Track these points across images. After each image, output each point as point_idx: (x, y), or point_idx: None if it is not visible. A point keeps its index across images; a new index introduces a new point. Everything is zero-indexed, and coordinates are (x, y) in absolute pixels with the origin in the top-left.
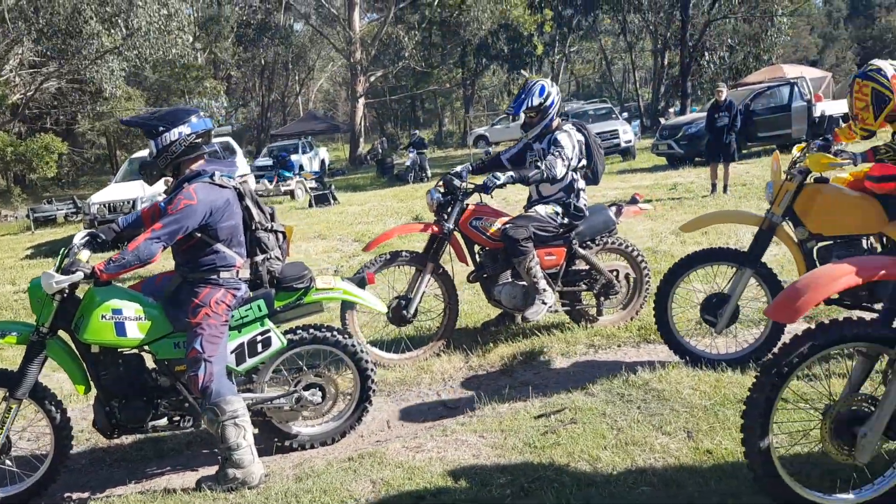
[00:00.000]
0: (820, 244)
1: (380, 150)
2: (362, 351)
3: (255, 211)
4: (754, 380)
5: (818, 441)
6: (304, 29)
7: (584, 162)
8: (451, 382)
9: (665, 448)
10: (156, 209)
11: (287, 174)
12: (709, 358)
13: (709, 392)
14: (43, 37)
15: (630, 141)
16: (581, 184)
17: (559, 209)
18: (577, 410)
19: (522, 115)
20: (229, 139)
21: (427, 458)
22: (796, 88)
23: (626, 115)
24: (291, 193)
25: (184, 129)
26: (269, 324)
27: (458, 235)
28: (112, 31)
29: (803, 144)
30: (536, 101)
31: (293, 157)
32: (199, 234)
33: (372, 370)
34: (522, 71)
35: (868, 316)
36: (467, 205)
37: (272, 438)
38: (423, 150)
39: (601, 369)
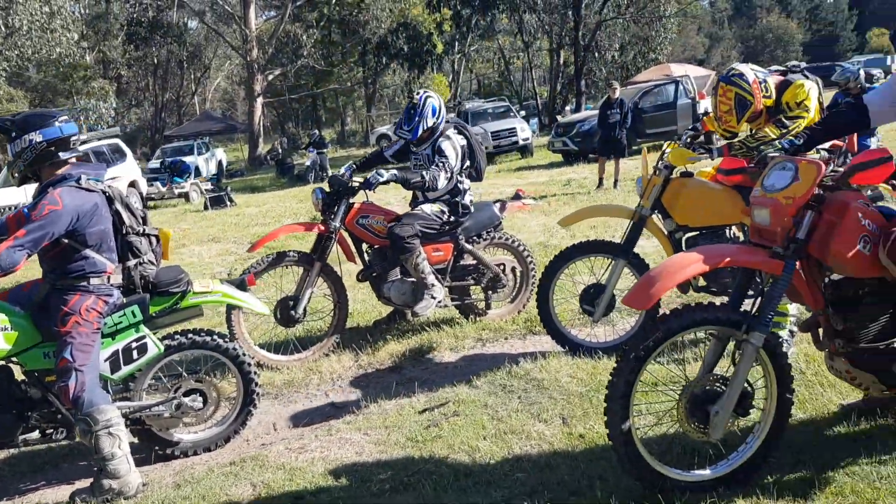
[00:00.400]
0: (687, 235)
1: (279, 151)
2: (244, 354)
3: (125, 215)
4: (615, 365)
5: (676, 421)
6: (199, 26)
7: (467, 163)
8: (340, 382)
9: (541, 435)
10: (20, 215)
11: (179, 180)
12: (588, 346)
13: (585, 379)
14: None
15: (528, 138)
16: (466, 183)
17: (445, 207)
18: (461, 403)
19: None
20: (118, 141)
21: (310, 459)
22: (681, 86)
23: (523, 112)
24: (186, 196)
25: (34, 137)
26: (144, 330)
27: (345, 234)
28: None
29: (670, 143)
30: (431, 121)
31: (188, 159)
32: (66, 241)
33: (255, 373)
34: (414, 96)
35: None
36: (353, 203)
37: (153, 447)
38: (323, 150)
39: (487, 362)
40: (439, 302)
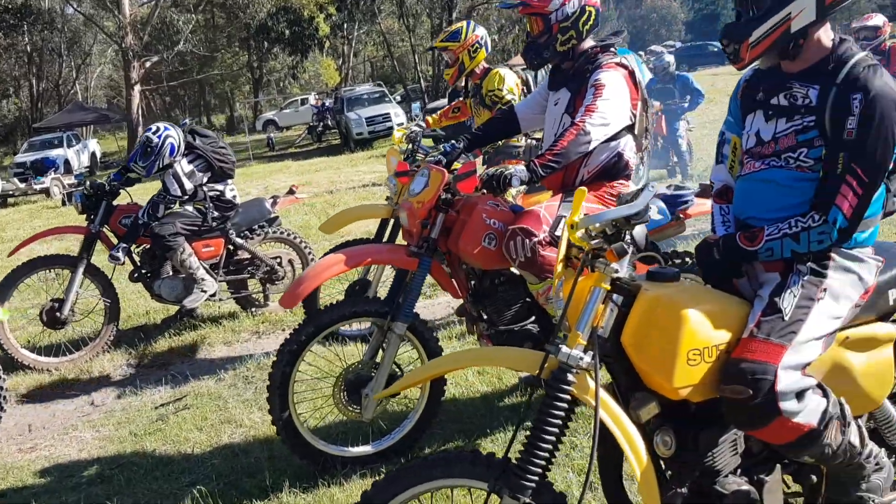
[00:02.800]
0: None
1: None
2: None
3: None
4: (274, 358)
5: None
6: (76, 12)
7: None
8: (105, 381)
9: (253, 423)
10: None
11: (41, 178)
12: (347, 334)
13: (323, 366)
14: None
15: (402, 123)
16: (222, 184)
17: (208, 203)
18: (198, 396)
19: None
20: None
21: (34, 457)
22: None
23: (398, 97)
24: (47, 192)
25: None
26: None
27: (111, 235)
28: None
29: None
30: (167, 160)
31: (57, 152)
32: None
33: (0, 377)
34: (151, 135)
35: None
36: (115, 205)
37: None
38: None
39: (253, 355)
40: (212, 295)
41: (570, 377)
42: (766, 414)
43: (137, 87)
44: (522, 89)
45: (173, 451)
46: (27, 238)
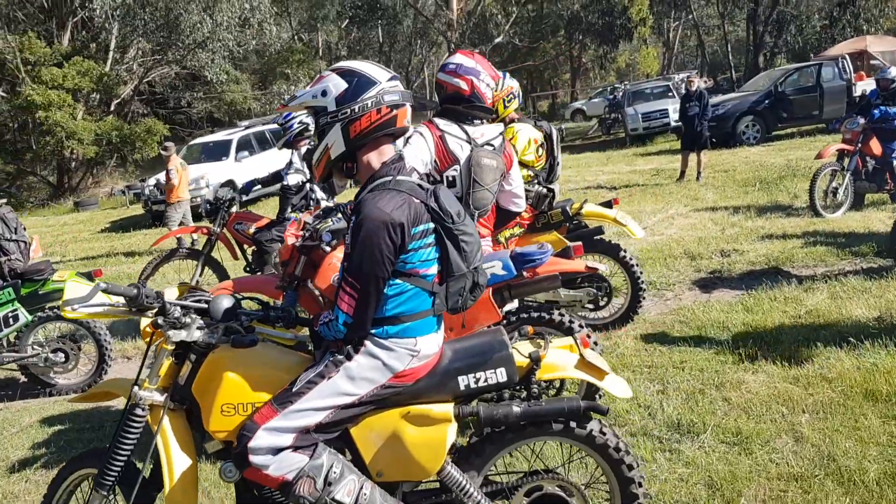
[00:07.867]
0: None
1: None
2: (97, 326)
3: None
4: None
5: None
6: (421, 5)
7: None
8: None
9: None
10: None
11: None
12: None
13: None
14: (148, 32)
15: (679, 120)
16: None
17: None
18: None
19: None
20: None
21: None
22: (831, 69)
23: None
24: None
25: None
26: (17, 305)
27: (228, 236)
28: (201, 25)
29: None
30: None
31: None
32: None
33: (107, 340)
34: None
35: None
36: (232, 211)
37: (38, 386)
38: None
39: None
40: None
41: (139, 411)
42: (241, 462)
43: None
44: (542, 144)
45: None
46: (162, 235)
